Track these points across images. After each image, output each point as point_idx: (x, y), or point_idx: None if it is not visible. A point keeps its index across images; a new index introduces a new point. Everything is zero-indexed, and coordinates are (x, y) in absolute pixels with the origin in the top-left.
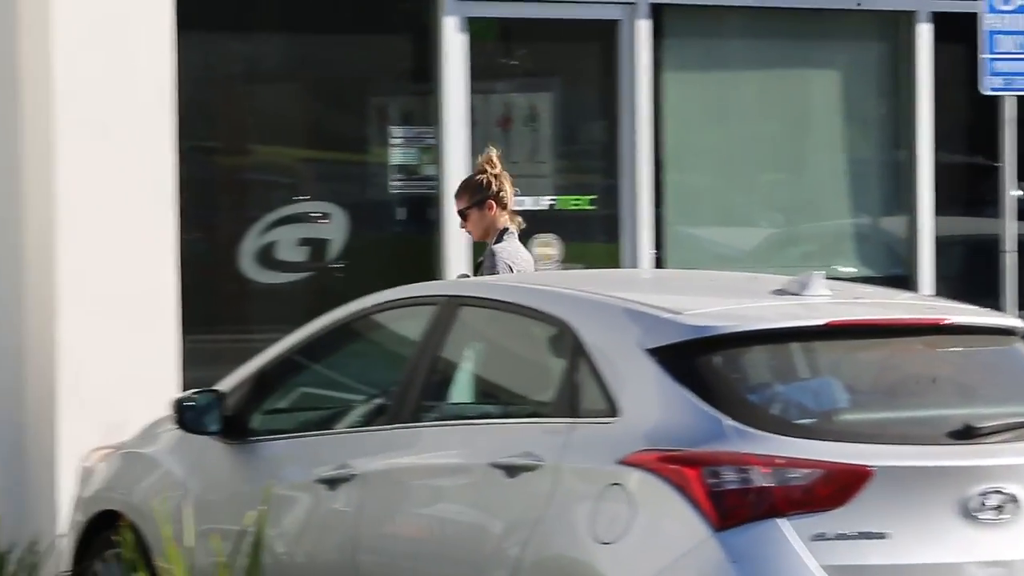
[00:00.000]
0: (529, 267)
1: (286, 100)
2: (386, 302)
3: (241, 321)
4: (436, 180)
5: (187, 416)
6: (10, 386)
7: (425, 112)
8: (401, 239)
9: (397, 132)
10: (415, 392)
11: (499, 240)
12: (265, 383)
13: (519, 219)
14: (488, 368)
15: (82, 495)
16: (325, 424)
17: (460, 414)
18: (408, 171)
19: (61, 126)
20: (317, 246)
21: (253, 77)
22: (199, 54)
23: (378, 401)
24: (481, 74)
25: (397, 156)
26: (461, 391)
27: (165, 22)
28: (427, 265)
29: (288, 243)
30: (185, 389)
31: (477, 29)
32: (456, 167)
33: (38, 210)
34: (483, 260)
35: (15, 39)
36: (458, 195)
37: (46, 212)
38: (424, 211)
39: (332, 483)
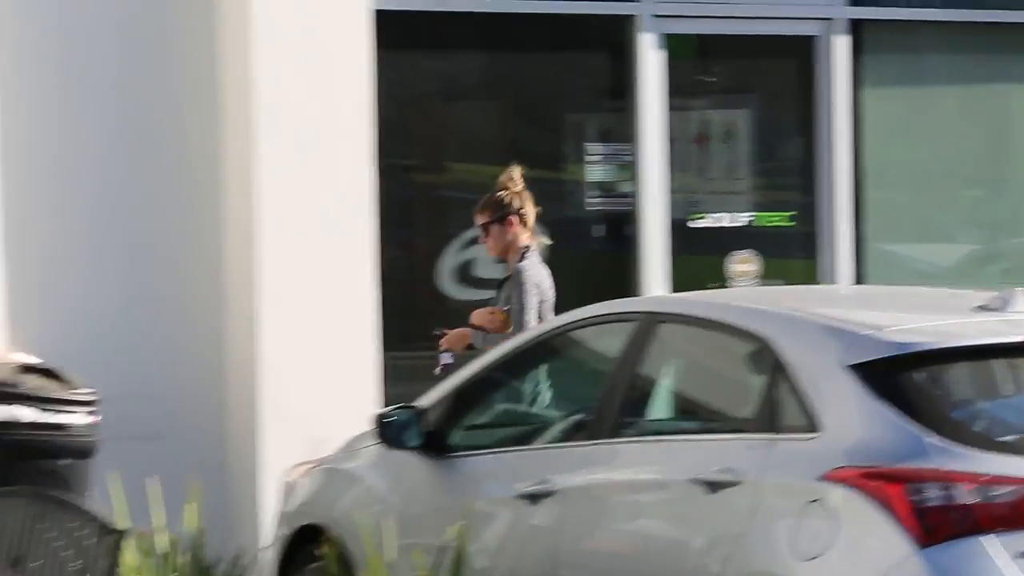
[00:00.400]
0: (550, 288)
1: (483, 118)
2: (584, 319)
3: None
4: (633, 197)
5: (388, 431)
6: (213, 402)
7: (622, 129)
8: (598, 256)
9: (594, 149)
10: (614, 408)
11: (521, 259)
12: (464, 399)
13: (541, 238)
14: (687, 384)
15: (284, 509)
16: (525, 440)
17: (659, 430)
18: (605, 188)
19: (262, 143)
20: None
21: (451, 95)
22: (397, 72)
23: (578, 417)
24: (678, 91)
25: (594, 173)
26: (660, 407)
27: (363, 41)
28: (624, 282)
29: (486, 261)
30: (385, 405)
31: (674, 46)
32: (653, 184)
33: (239, 227)
34: (506, 280)
35: (217, 58)
36: (479, 210)
37: (247, 229)
38: (621, 228)
39: (533, 498)
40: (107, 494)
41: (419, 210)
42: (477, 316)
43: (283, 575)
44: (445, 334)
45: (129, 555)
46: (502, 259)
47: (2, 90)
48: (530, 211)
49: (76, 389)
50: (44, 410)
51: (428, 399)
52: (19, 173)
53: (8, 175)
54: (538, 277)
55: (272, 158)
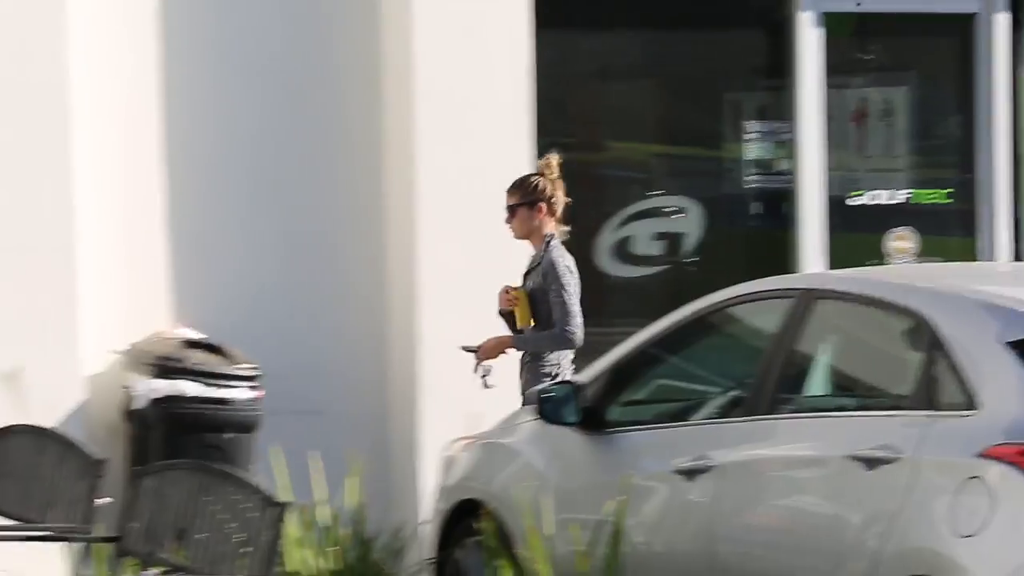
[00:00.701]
0: (576, 275)
1: (640, 97)
2: (742, 295)
3: (598, 315)
4: (791, 175)
5: (546, 407)
6: (373, 379)
7: (779, 107)
8: (755, 233)
9: (751, 127)
10: (772, 384)
11: (547, 248)
12: (622, 375)
13: (565, 228)
14: (844, 361)
15: (444, 484)
16: (682, 416)
17: (816, 406)
18: (763, 166)
19: (421, 125)
20: (672, 240)
21: (608, 74)
22: (555, 52)
23: (735, 393)
24: (836, 69)
25: (752, 151)
26: (817, 384)
27: (522, 21)
28: (782, 259)
29: (643, 237)
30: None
31: (832, 24)
32: (811, 162)
33: (399, 209)
34: (534, 266)
35: (379, 43)
36: (510, 191)
37: (407, 211)
38: (779, 206)
39: (690, 474)
40: (270, 468)
41: (577, 188)
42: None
43: (442, 548)
44: (477, 350)
45: (291, 528)
46: (529, 244)
47: (176, 83)
48: (560, 200)
49: (239, 364)
50: (208, 384)
51: (586, 375)
52: (192, 160)
53: (180, 162)
54: (568, 262)
55: (432, 140)
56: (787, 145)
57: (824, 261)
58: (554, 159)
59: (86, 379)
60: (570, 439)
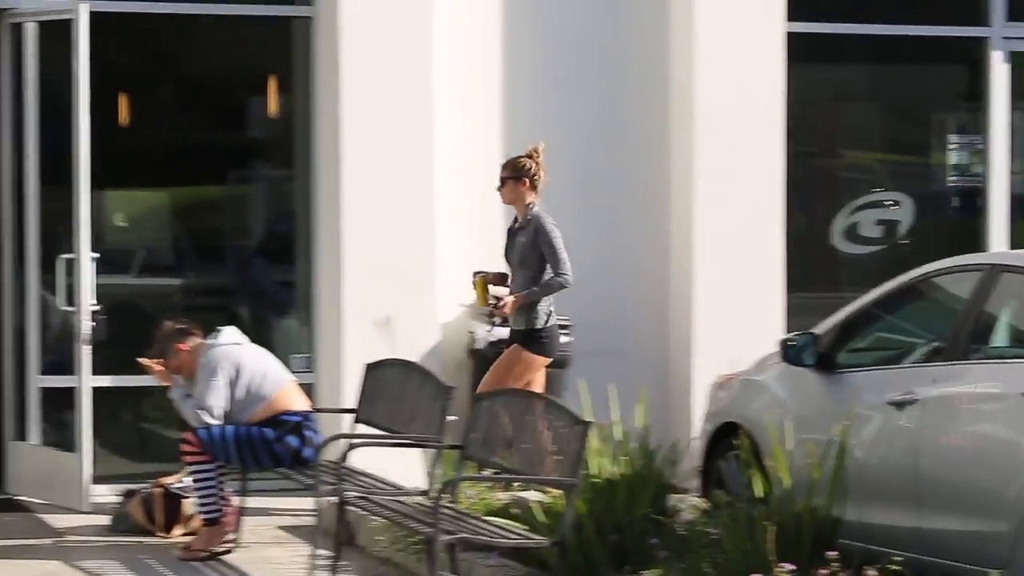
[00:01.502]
0: (559, 231)
1: (868, 116)
2: (942, 268)
3: (831, 283)
4: (982, 177)
5: (789, 352)
6: (658, 329)
7: (975, 124)
8: (953, 222)
9: (953, 139)
10: (964, 337)
11: (530, 211)
12: (849, 328)
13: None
14: (1021, 320)
15: (710, 410)
16: (894, 360)
17: (998, 355)
18: (960, 169)
19: (699, 135)
20: (889, 226)
21: (843, 98)
22: (804, 81)
23: (936, 344)
24: (1020, 95)
25: (952, 158)
26: (999, 337)
27: (778, 57)
28: (974, 241)
29: (867, 223)
30: (788, 332)
31: (1018, 60)
32: (999, 167)
33: (681, 198)
34: (522, 227)
35: (668, 69)
36: (503, 166)
37: (687, 200)
38: (972, 200)
39: (899, 405)
40: (578, 395)
41: (818, 186)
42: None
43: (707, 460)
44: (502, 305)
45: (593, 441)
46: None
47: (513, 94)
48: (541, 177)
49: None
50: None
51: (821, 328)
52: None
53: (514, 146)
54: (552, 221)
55: (707, 146)
56: (980, 153)
57: (1007, 243)
58: (540, 145)
59: (441, 325)
60: (808, 377)
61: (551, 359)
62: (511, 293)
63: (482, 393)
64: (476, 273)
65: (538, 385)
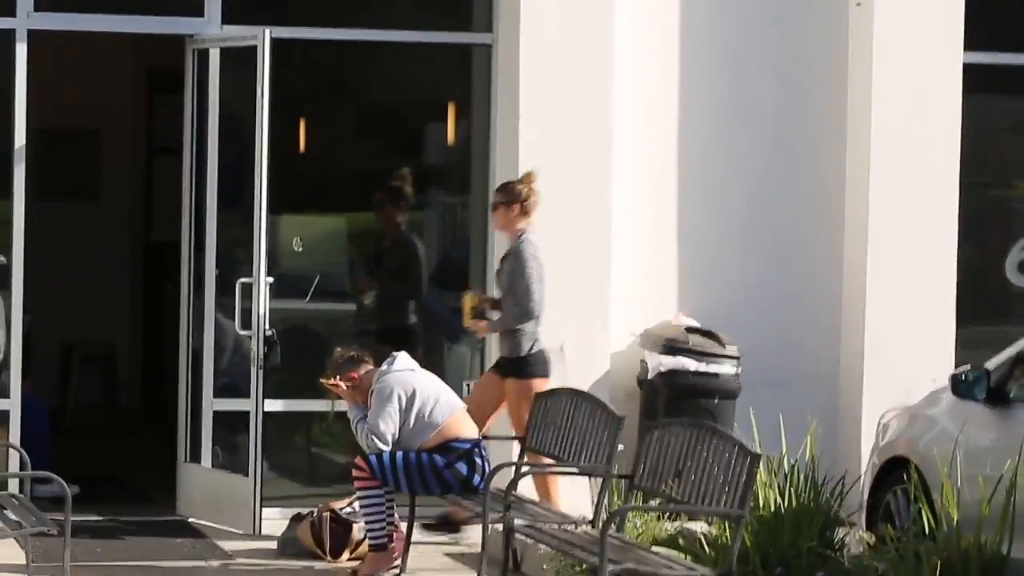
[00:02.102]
0: (539, 261)
1: None
2: None
3: (1002, 316)
4: None
5: (961, 387)
6: (829, 358)
7: None
8: None
9: None
10: None
11: (519, 239)
12: (1022, 362)
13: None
14: None
15: (879, 443)
16: None
17: None
18: None
19: (876, 168)
20: None
21: (1017, 128)
22: (979, 112)
23: None
24: None
25: None
26: None
27: (956, 83)
28: None
29: None
30: (958, 367)
31: None
32: None
33: (855, 225)
34: (508, 255)
35: (845, 100)
36: (496, 191)
37: (861, 227)
38: None
39: None
40: (746, 427)
41: (991, 217)
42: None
43: (875, 493)
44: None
45: (761, 473)
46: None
47: (691, 119)
48: (533, 203)
49: (726, 346)
50: (702, 361)
51: (992, 362)
52: (700, 181)
53: (691, 183)
54: (535, 251)
55: (883, 178)
56: None
57: None
58: (534, 173)
59: (611, 355)
60: (978, 411)
61: (546, 378)
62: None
63: (652, 423)
64: (467, 291)
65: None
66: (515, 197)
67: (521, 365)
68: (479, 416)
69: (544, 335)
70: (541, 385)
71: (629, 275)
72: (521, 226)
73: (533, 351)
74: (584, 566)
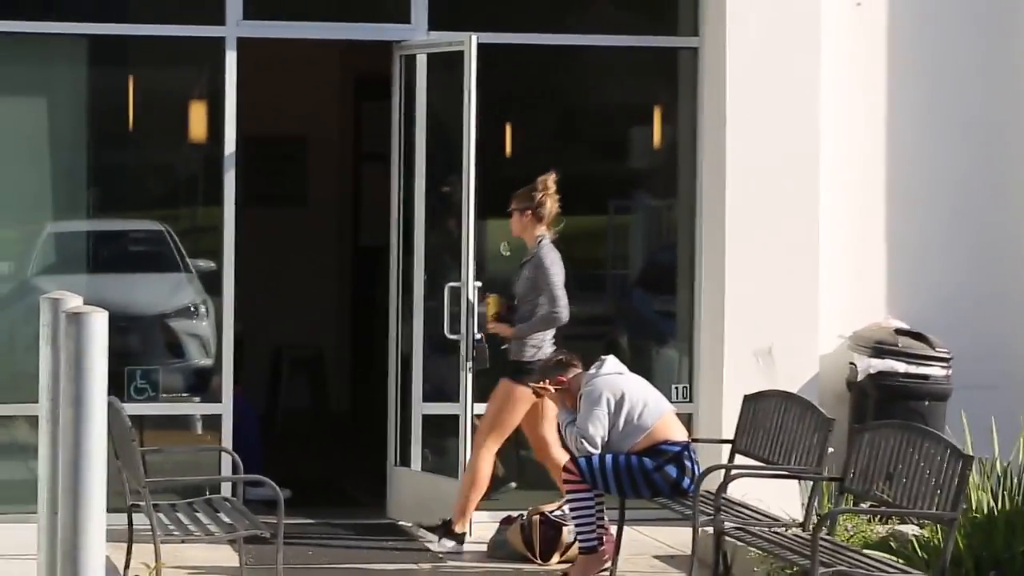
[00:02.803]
0: (560, 267)
1: None
2: None
3: None
4: None
5: None
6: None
7: None
8: None
9: None
10: None
11: (538, 245)
12: None
13: (553, 231)
14: None
15: None
16: None
17: None
18: None
19: None
20: None
21: None
22: None
23: None
24: None
25: None
26: None
27: None
28: None
29: None
30: None
31: None
32: None
33: None
34: (527, 260)
35: None
36: (513, 197)
37: None
38: None
39: None
40: (957, 429)
41: None
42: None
43: None
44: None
45: (973, 475)
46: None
47: (898, 126)
48: (549, 209)
49: (936, 349)
50: (912, 364)
51: None
52: (908, 185)
53: (899, 186)
54: (554, 256)
55: None
56: None
57: None
58: (551, 178)
59: (820, 357)
60: None
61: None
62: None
63: (862, 426)
64: (489, 293)
65: (547, 416)
66: (528, 203)
67: (520, 369)
68: (536, 436)
69: (550, 345)
70: (526, 394)
71: (837, 277)
72: (539, 232)
73: (535, 358)
74: (795, 569)
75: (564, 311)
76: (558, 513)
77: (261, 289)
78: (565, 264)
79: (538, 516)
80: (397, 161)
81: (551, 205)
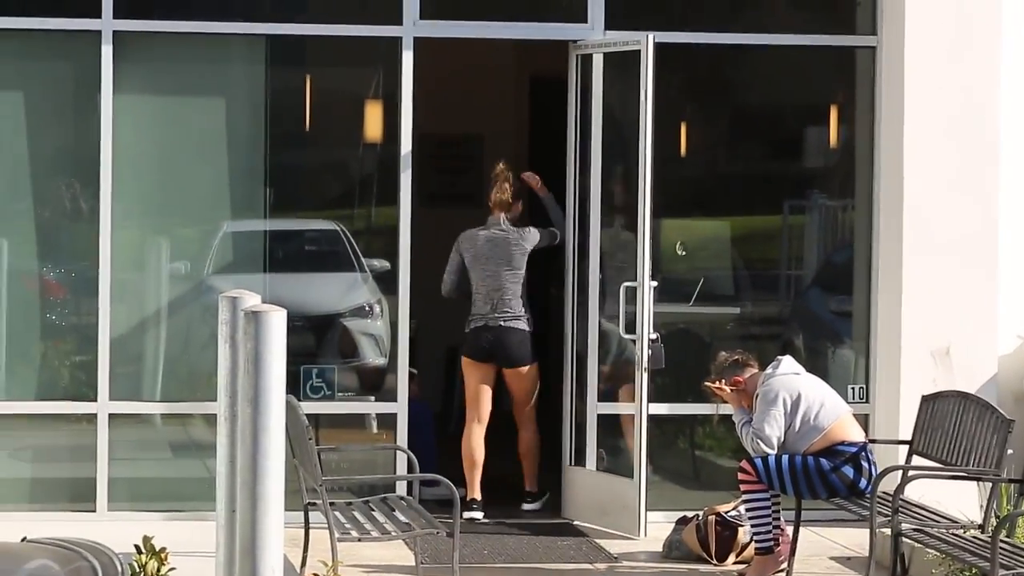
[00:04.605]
0: (457, 250)
1: None
2: None
3: None
4: None
5: None
6: None
7: None
8: None
9: None
10: None
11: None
12: None
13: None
14: None
15: None
16: None
17: None
18: None
19: None
20: None
21: None
22: None
23: None
24: None
25: None
26: None
27: None
28: None
29: None
30: None
31: None
32: None
33: None
34: None
35: None
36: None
37: None
38: None
39: None
40: None
41: None
42: None
43: None
44: None
45: None
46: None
47: None
48: (490, 195)
49: None
50: None
51: None
52: None
53: None
54: (468, 242)
55: None
56: None
57: None
58: (499, 165)
59: (999, 357)
60: None
61: (470, 358)
62: None
63: None
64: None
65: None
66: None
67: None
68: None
69: (477, 318)
70: (466, 364)
71: (1017, 277)
72: (491, 216)
73: (466, 331)
74: (974, 571)
75: (442, 286)
76: (734, 513)
77: (437, 288)
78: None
79: (714, 516)
80: (573, 160)
81: (493, 192)
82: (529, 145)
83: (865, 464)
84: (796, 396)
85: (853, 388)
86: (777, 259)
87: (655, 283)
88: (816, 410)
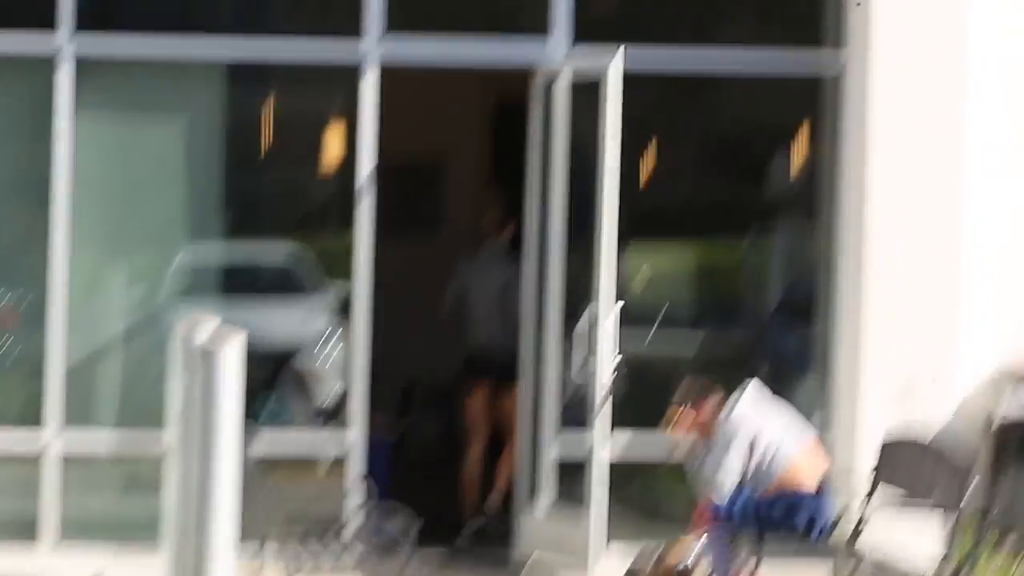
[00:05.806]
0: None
1: None
2: None
3: None
4: None
5: None
6: None
7: None
8: None
9: None
10: None
11: None
12: None
13: None
14: None
15: None
16: None
17: None
18: None
19: None
20: None
21: None
22: None
23: None
24: None
25: None
26: None
27: None
28: None
29: None
30: None
31: None
32: None
33: None
34: None
35: None
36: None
37: None
38: None
39: None
40: None
41: None
42: None
43: None
44: None
45: None
46: None
47: None
48: None
49: None
50: None
51: None
52: None
53: None
54: None
55: None
56: None
57: None
58: None
59: (962, 390)
60: None
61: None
62: None
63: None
64: None
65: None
66: None
67: None
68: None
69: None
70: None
71: (981, 310)
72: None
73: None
74: None
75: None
76: (688, 563)
77: (396, 314)
78: (710, 292)
79: (672, 551)
80: (537, 187)
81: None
82: (490, 171)
83: (827, 500)
84: (756, 434)
85: (813, 419)
86: (739, 287)
87: (618, 307)
88: (774, 451)
